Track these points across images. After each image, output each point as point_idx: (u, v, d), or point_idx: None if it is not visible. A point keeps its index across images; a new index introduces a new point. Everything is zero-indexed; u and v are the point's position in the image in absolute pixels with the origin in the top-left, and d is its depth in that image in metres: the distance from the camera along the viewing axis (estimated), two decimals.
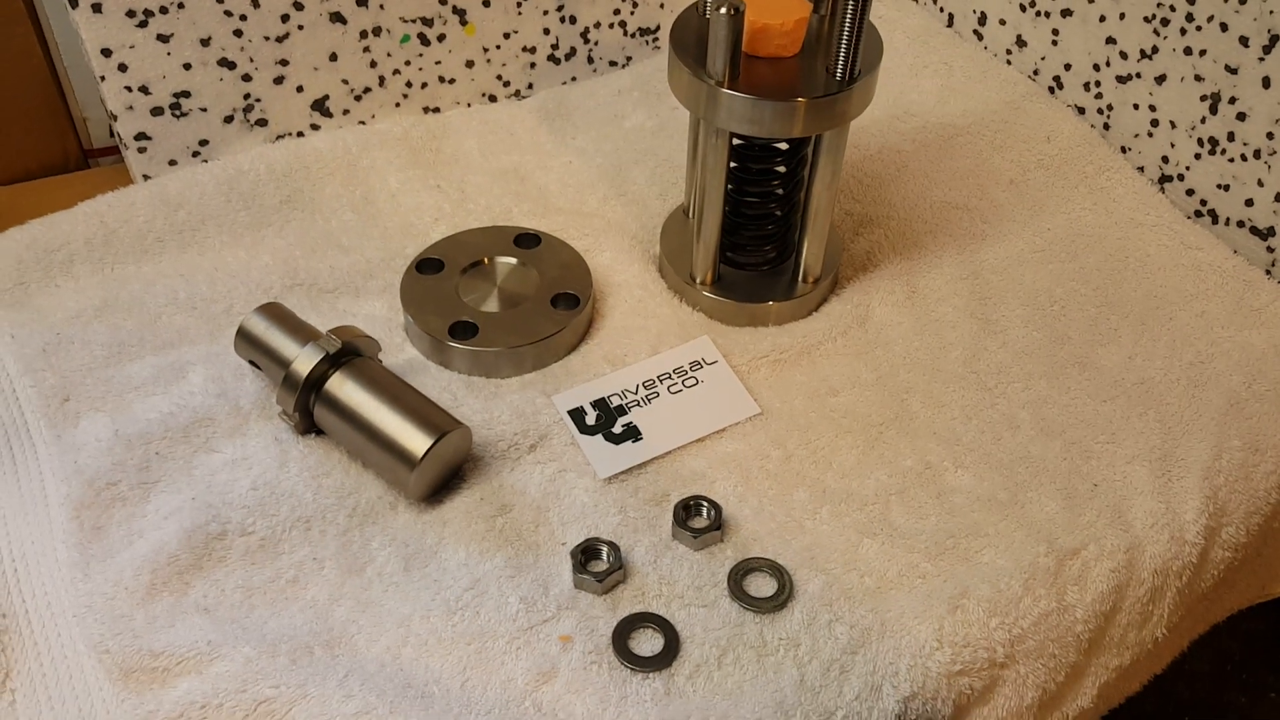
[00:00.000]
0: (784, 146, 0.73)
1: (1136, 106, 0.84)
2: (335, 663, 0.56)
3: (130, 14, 0.73)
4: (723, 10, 0.61)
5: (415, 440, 0.63)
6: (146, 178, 0.81)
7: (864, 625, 0.59)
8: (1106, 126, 0.87)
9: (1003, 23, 0.92)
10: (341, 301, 0.76)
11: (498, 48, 0.89)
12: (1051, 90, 0.91)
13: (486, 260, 0.76)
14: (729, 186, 0.73)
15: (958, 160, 0.88)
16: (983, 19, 0.94)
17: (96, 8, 0.72)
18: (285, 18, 0.79)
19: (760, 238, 0.76)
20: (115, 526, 0.61)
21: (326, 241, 0.79)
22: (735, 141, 0.72)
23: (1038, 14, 0.89)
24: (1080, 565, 0.62)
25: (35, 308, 0.72)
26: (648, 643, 0.59)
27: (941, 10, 0.98)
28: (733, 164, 0.73)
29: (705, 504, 0.64)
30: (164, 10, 0.74)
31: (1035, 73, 0.92)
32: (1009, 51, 0.93)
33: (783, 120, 0.65)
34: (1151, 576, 0.63)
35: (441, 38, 0.86)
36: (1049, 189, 0.86)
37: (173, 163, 0.81)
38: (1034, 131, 0.89)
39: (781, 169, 0.74)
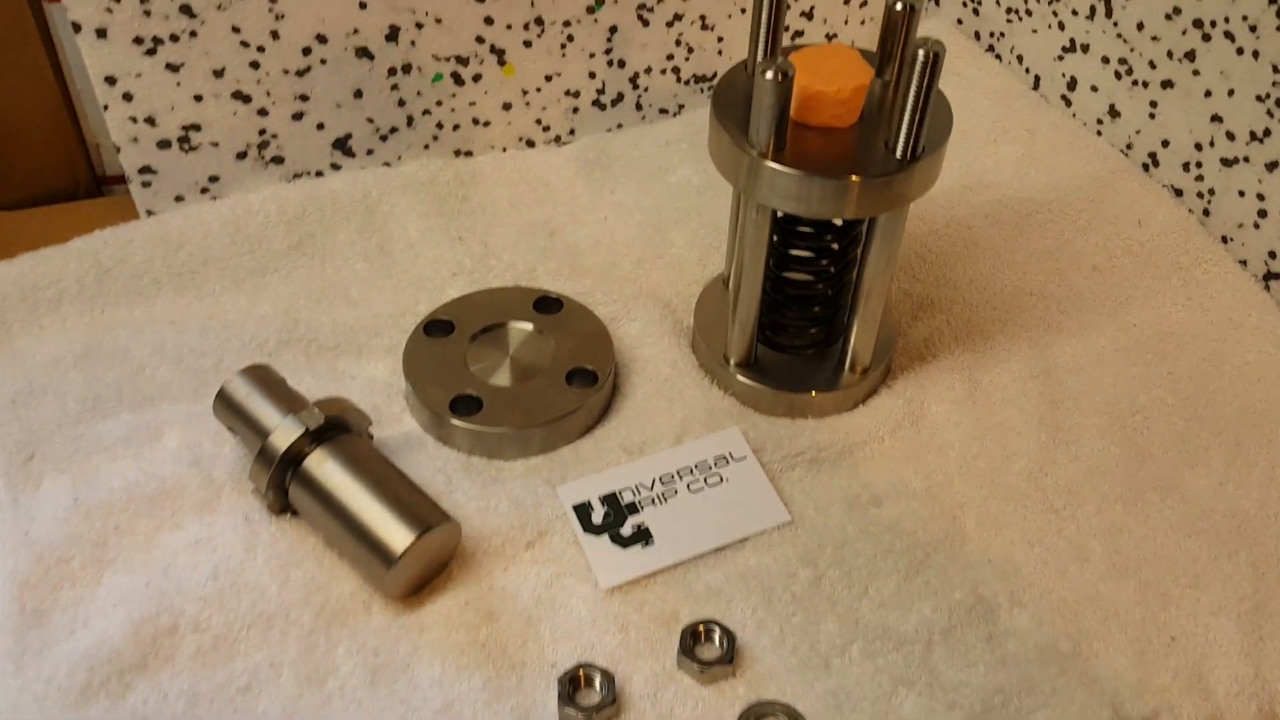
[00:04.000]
0: (836, 223, 0.65)
1: (1242, 193, 0.75)
2: None
3: (138, 41, 0.68)
4: (769, 75, 0.53)
5: (396, 534, 0.56)
6: (150, 213, 0.76)
7: None
8: (1206, 213, 0.78)
9: (1094, 89, 0.83)
10: (342, 361, 0.70)
11: (538, 90, 0.83)
12: (1146, 168, 0.82)
13: (501, 325, 0.69)
14: (771, 261, 0.66)
15: (1035, 240, 0.79)
16: (1072, 84, 0.85)
17: (101, 33, 0.67)
18: (307, 51, 0.73)
19: (804, 320, 0.68)
20: (59, 611, 0.55)
21: (334, 292, 0.73)
22: (780, 214, 0.64)
23: (1134, 83, 0.80)
24: None
25: (13, 350, 0.67)
26: None
27: (1028, 71, 0.89)
28: (775, 238, 0.65)
29: (718, 630, 0.56)
30: (174, 38, 0.69)
31: (1129, 147, 0.82)
32: (1100, 121, 0.84)
33: (832, 200, 0.57)
34: None
35: (477, 78, 0.80)
36: (1137, 279, 0.76)
37: (179, 198, 0.76)
38: (1124, 213, 0.80)
39: (833, 245, 0.66)
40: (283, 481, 0.59)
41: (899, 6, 0.59)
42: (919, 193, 0.59)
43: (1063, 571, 0.60)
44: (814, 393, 0.67)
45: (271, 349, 0.69)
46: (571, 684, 0.54)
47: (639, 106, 0.88)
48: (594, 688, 0.54)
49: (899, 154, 0.57)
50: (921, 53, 0.53)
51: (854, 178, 0.56)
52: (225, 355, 0.68)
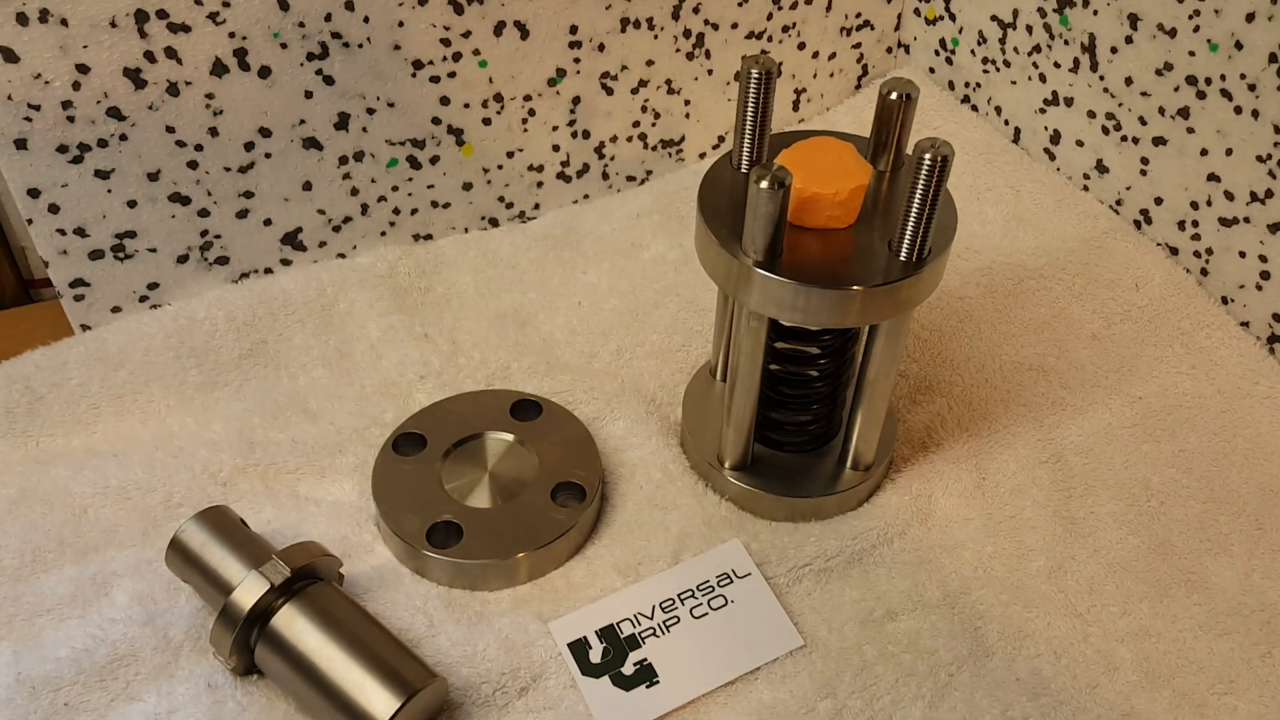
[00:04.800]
0: None
1: (1243, 254, 0.72)
2: None
3: (62, 149, 0.62)
4: (764, 184, 0.49)
5: (378, 701, 0.51)
6: (86, 327, 0.69)
7: None
8: (1204, 272, 0.75)
9: (1080, 144, 0.80)
10: (304, 485, 0.64)
11: (499, 167, 0.78)
12: (1138, 224, 0.79)
13: (477, 437, 0.64)
14: (764, 359, 0.61)
15: (1030, 309, 0.75)
16: (1055, 137, 0.82)
17: (20, 143, 0.61)
18: (249, 145, 0.68)
19: (802, 418, 0.64)
20: None
21: (291, 405, 0.68)
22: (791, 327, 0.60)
23: (1123, 138, 0.76)
24: None
25: None
26: None
27: (1007, 124, 0.86)
28: (770, 335, 0.61)
29: None
30: (103, 143, 0.63)
31: (1118, 203, 0.79)
32: (1086, 177, 0.81)
33: (834, 310, 0.52)
34: None
35: (435, 160, 0.75)
36: (1139, 346, 0.73)
37: (116, 309, 0.70)
38: (1119, 275, 0.77)
39: (832, 344, 0.61)
40: (248, 642, 0.53)
41: (894, 95, 0.55)
42: (925, 295, 0.55)
43: (1093, 686, 0.57)
44: (815, 496, 0.63)
45: (226, 477, 0.63)
46: None
47: (605, 175, 0.83)
48: None
49: (904, 258, 0.53)
50: (929, 156, 0.49)
51: (856, 288, 0.52)
52: (175, 489, 0.62)
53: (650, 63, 0.79)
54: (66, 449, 0.64)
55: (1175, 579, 0.61)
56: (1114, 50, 0.74)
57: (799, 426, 0.64)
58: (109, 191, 0.65)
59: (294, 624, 0.53)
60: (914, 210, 0.51)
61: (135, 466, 0.63)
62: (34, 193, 0.63)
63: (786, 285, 0.52)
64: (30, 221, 0.64)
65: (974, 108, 0.89)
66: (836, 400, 0.64)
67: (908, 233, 0.52)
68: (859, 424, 0.62)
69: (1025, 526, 0.64)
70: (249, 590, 0.53)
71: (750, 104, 0.55)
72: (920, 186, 0.50)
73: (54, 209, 0.64)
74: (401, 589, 0.59)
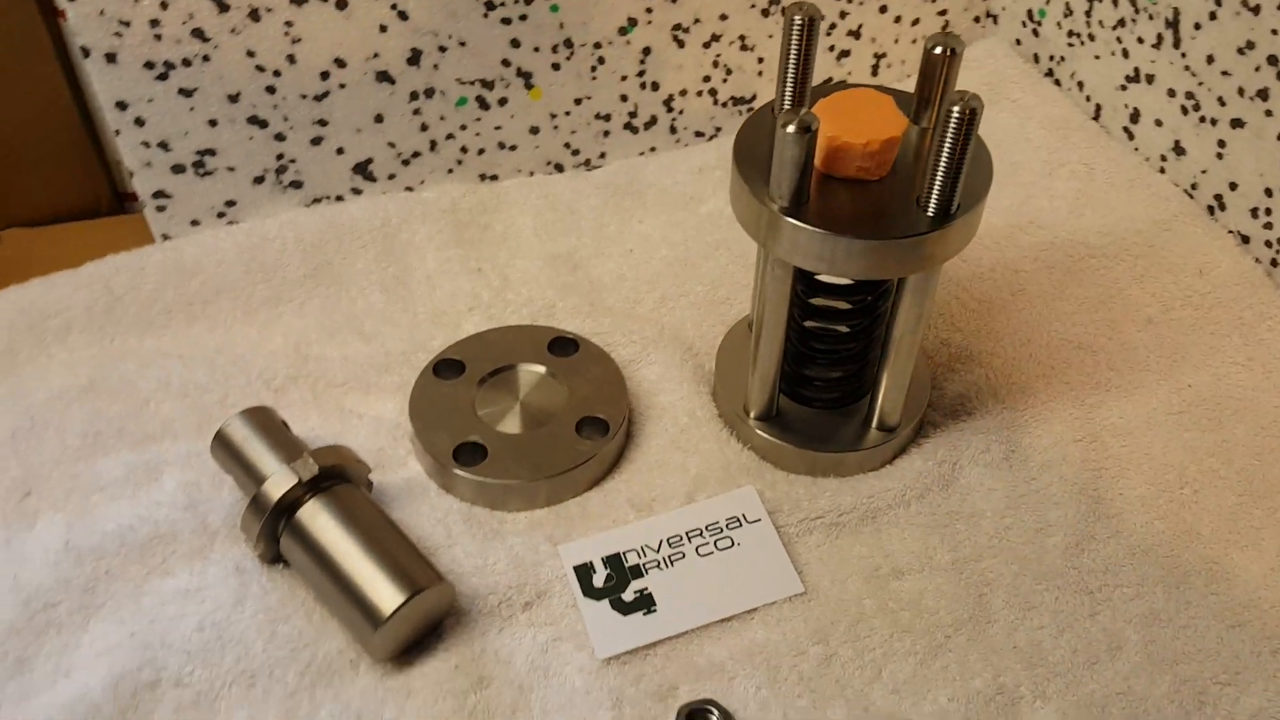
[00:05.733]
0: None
1: None
2: None
3: (149, 65, 0.67)
4: (790, 128, 0.50)
5: (385, 595, 0.54)
6: (166, 237, 0.74)
7: None
8: (1275, 263, 0.72)
9: (1159, 124, 0.78)
10: (350, 399, 0.68)
11: (567, 114, 0.80)
12: (1211, 210, 0.76)
13: (511, 368, 0.67)
14: (796, 312, 0.62)
15: (1087, 288, 0.74)
16: (1135, 116, 0.80)
17: (110, 57, 0.65)
18: (325, 75, 0.71)
19: (829, 375, 0.65)
20: (42, 660, 0.54)
21: (347, 325, 0.71)
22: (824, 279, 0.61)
23: (1201, 119, 0.74)
24: None
25: (19, 380, 0.66)
26: None
27: (1088, 100, 0.84)
28: (801, 288, 0.61)
29: (715, 714, 0.53)
30: (187, 63, 0.67)
31: (1193, 187, 0.77)
32: (1164, 158, 0.79)
33: (856, 261, 0.53)
34: None
35: (503, 101, 0.77)
36: (1195, 334, 0.71)
37: (195, 223, 0.74)
38: (1184, 260, 0.74)
39: (864, 298, 0.62)
40: (274, 532, 0.57)
41: (938, 50, 0.55)
42: (953, 252, 0.55)
43: (1093, 662, 0.56)
44: (837, 452, 0.64)
45: (279, 385, 0.67)
46: None
47: (673, 130, 0.84)
48: None
49: (931, 212, 0.53)
50: (957, 109, 0.49)
51: (880, 239, 0.52)
52: (231, 391, 0.66)
53: (724, 17, 0.80)
54: (137, 347, 0.69)
55: (1197, 567, 0.60)
56: (1197, 26, 0.72)
57: (828, 383, 0.65)
58: (191, 109, 0.69)
59: (317, 518, 0.56)
60: (942, 163, 0.51)
61: (197, 368, 0.67)
62: (122, 105, 0.68)
63: (812, 234, 0.53)
64: (118, 133, 0.69)
65: (1057, 82, 0.87)
66: (866, 359, 0.64)
67: (935, 186, 0.52)
68: (885, 383, 0.62)
69: (1049, 501, 0.63)
70: (278, 482, 0.56)
71: (792, 51, 0.55)
72: (949, 139, 0.50)
73: (140, 122, 0.69)
74: (426, 502, 0.62)
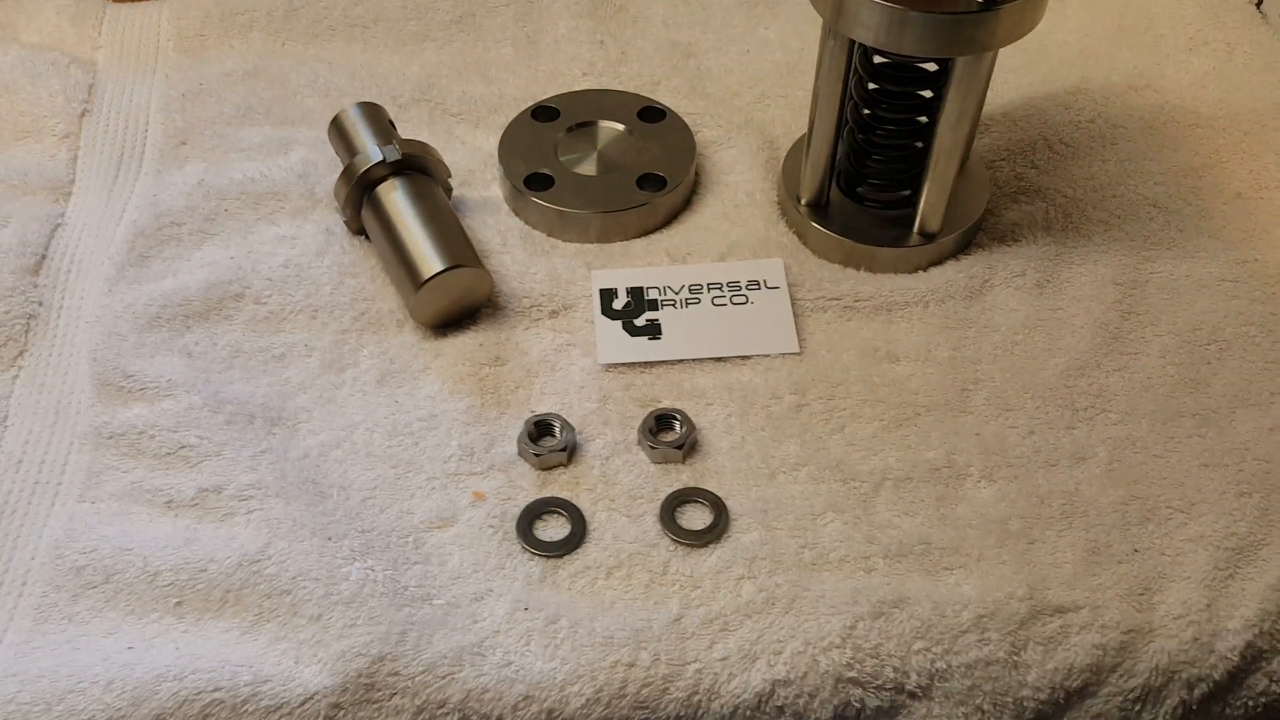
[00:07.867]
0: (931, 68, 0.64)
1: None
2: (265, 438, 0.59)
3: None
4: None
5: (428, 262, 0.63)
6: None
7: (774, 593, 0.53)
8: None
9: None
10: (459, 128, 0.76)
11: None
12: None
13: (594, 122, 0.74)
14: (861, 107, 0.65)
15: (1183, 154, 0.73)
16: None
17: None
18: None
19: (884, 170, 0.68)
20: (159, 260, 0.66)
21: (475, 68, 0.80)
22: (878, 60, 0.64)
23: None
24: (1059, 626, 0.52)
25: (201, 57, 0.79)
26: (553, 529, 0.56)
27: None
28: (872, 86, 0.65)
29: (679, 421, 0.60)
30: None
31: None
32: None
33: (895, 31, 0.56)
34: (1149, 673, 0.51)
35: None
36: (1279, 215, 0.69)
37: None
38: None
39: (927, 94, 0.64)
40: (358, 201, 0.67)
41: None
42: (1002, 41, 0.57)
43: (1051, 464, 0.58)
44: (874, 246, 0.67)
45: (404, 103, 0.77)
46: (537, 427, 0.59)
47: None
48: (554, 435, 0.59)
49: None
50: None
51: (919, 13, 0.55)
52: (364, 98, 0.76)
53: None
54: (301, 52, 0.80)
55: (1193, 411, 0.60)
56: None
57: (880, 178, 0.68)
58: None
59: (392, 194, 0.66)
60: None
61: (342, 76, 0.78)
62: None
63: (871, 6, 0.56)
64: None
65: None
66: (917, 163, 0.67)
67: None
68: (928, 185, 0.65)
69: (1067, 329, 0.64)
70: (366, 158, 0.66)
71: None
72: None
73: None
74: (495, 216, 0.71)
